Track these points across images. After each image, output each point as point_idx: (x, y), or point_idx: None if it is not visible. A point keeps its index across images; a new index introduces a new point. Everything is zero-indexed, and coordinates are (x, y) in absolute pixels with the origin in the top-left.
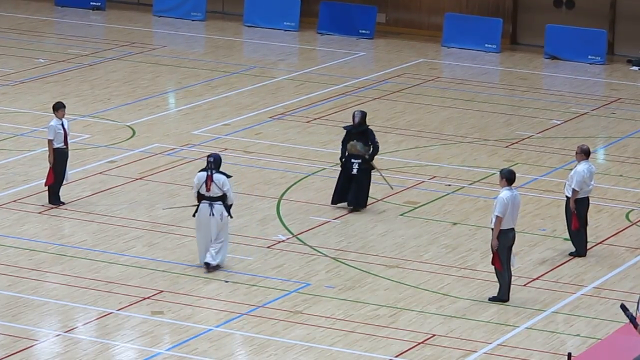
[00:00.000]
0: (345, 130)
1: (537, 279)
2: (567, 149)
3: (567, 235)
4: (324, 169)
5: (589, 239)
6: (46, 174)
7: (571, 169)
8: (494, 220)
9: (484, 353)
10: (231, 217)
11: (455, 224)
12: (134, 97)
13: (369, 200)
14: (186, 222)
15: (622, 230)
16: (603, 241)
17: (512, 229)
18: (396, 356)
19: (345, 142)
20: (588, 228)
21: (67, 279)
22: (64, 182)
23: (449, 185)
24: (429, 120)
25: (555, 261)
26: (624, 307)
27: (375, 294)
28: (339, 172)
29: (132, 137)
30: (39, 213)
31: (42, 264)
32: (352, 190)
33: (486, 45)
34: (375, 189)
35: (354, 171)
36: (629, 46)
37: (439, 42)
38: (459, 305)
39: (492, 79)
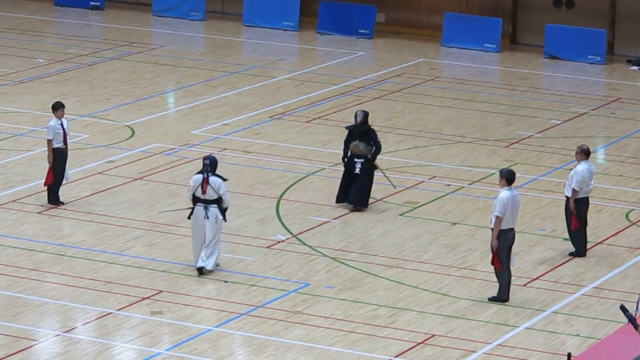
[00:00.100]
0: (347, 131)
1: (536, 279)
2: (566, 148)
3: (566, 235)
4: (324, 168)
5: (588, 239)
6: (45, 174)
7: (571, 169)
8: (493, 220)
9: (484, 353)
10: (225, 220)
11: (454, 224)
12: (133, 97)
13: (369, 200)
14: (185, 222)
15: (622, 230)
16: (603, 241)
17: (512, 229)
18: (396, 356)
19: (347, 142)
20: (588, 228)
21: (67, 279)
22: (64, 182)
23: (449, 185)
24: (428, 120)
25: (555, 261)
26: (623, 308)
27: (374, 294)
28: (338, 172)
29: (131, 137)
30: (39, 213)
31: (42, 264)
32: (353, 190)
33: (486, 45)
34: (375, 189)
35: (357, 170)
36: (629, 46)
37: (438, 42)
38: (458, 305)
39: (492, 79)
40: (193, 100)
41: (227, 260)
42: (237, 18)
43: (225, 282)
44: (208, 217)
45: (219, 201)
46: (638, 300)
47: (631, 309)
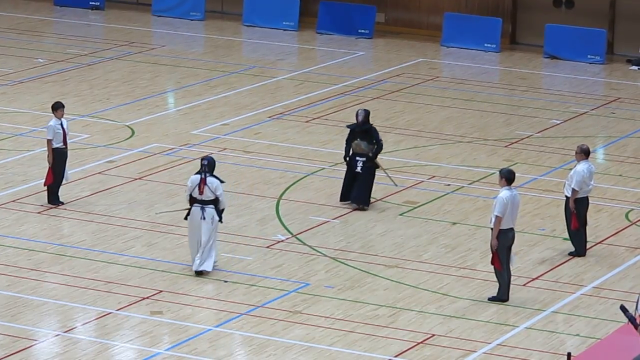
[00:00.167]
0: (349, 129)
1: (536, 278)
2: (566, 148)
3: (566, 235)
4: (323, 168)
5: (588, 239)
6: (45, 174)
7: (571, 169)
8: (493, 220)
9: (484, 353)
10: (221, 221)
11: (454, 223)
12: (133, 96)
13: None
14: (185, 223)
15: (621, 230)
16: (602, 241)
17: (512, 229)
18: (395, 356)
19: (349, 141)
20: (587, 228)
21: (67, 279)
22: (63, 182)
23: (449, 185)
24: (428, 120)
25: (555, 261)
26: (623, 309)
27: (374, 294)
28: (338, 171)
29: (131, 136)
30: (38, 213)
31: (42, 264)
32: (355, 188)
33: (485, 44)
34: (376, 189)
35: (358, 169)
36: (629, 46)
37: (438, 42)
38: (458, 305)
39: (492, 79)
40: (193, 100)
41: (227, 260)
42: (237, 18)
43: (225, 282)
44: (204, 218)
45: (215, 202)
46: (637, 300)
47: (631, 309)
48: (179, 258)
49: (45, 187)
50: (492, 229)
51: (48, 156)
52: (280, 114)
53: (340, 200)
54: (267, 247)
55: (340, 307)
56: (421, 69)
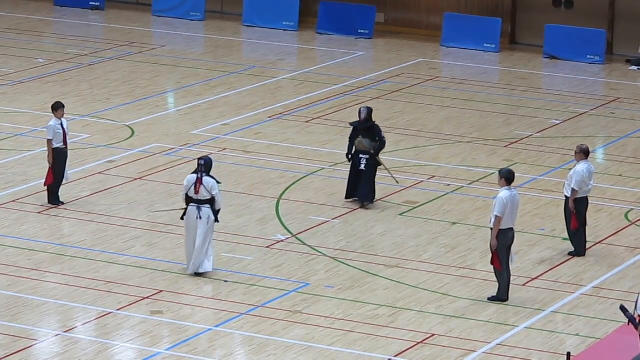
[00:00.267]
0: (352, 127)
1: (536, 278)
2: (566, 148)
3: (566, 235)
4: (323, 168)
5: (588, 239)
6: (45, 174)
7: (570, 169)
8: (493, 219)
9: (483, 353)
10: (217, 221)
11: (454, 223)
12: (133, 97)
13: None
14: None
15: (621, 230)
16: (602, 241)
17: (511, 229)
18: (395, 356)
19: (352, 139)
20: (587, 228)
21: (67, 279)
22: (64, 182)
23: (448, 185)
24: (428, 120)
25: (555, 261)
26: (623, 309)
27: (374, 294)
28: (338, 171)
29: (131, 137)
30: (39, 213)
31: (42, 264)
32: (360, 185)
33: (485, 45)
34: (376, 188)
35: (362, 167)
36: (628, 46)
37: (438, 42)
38: (458, 304)
39: (491, 79)
40: (193, 100)
41: (227, 260)
42: (236, 18)
43: (225, 281)
44: (201, 217)
45: (211, 202)
46: (637, 300)
47: (630, 309)
48: (179, 258)
49: (46, 187)
50: (491, 229)
51: (48, 156)
52: (280, 114)
53: (346, 198)
54: (267, 247)
55: (340, 307)
56: (421, 69)
